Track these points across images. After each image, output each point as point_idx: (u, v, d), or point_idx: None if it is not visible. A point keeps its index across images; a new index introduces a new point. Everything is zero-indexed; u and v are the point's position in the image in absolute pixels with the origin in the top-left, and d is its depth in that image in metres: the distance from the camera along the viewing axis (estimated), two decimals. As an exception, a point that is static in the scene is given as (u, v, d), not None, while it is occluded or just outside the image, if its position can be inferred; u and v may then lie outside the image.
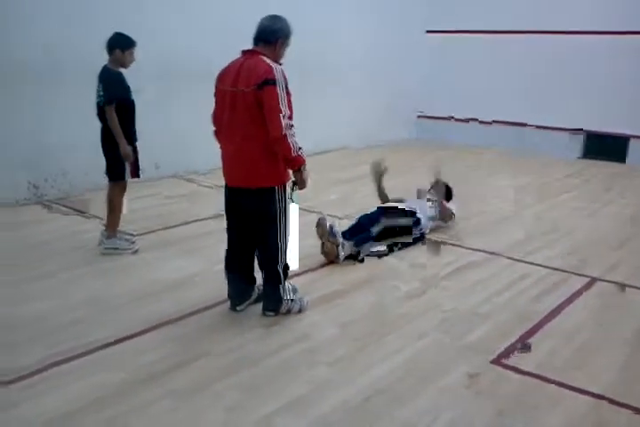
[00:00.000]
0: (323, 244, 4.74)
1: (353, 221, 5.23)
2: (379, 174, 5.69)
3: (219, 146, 3.75)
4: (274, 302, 3.79)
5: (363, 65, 9.73)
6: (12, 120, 6.00)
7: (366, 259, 4.85)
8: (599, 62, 9.07)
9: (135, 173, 4.85)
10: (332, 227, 4.70)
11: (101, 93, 4.59)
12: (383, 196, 5.71)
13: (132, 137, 4.74)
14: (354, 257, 4.80)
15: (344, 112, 9.54)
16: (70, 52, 6.19)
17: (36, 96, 6.11)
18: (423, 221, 5.31)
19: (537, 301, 4.13)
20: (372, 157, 8.81)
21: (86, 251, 4.89)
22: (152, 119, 6.69)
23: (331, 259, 4.73)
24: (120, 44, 4.60)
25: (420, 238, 5.28)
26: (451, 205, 5.66)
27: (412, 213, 5.26)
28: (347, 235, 4.88)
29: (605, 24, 8.87)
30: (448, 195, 5.76)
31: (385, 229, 5.05)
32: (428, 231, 5.40)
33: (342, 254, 4.72)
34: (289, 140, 3.40)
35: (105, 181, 4.90)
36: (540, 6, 9.40)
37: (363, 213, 5.29)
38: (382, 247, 5.00)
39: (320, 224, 4.75)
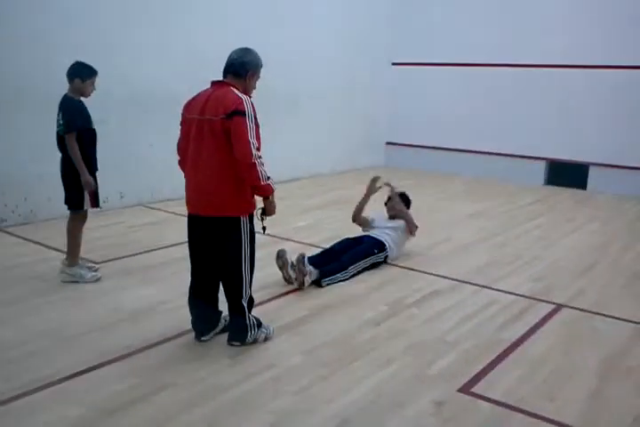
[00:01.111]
0: (282, 273, 4.78)
1: (326, 247, 5.29)
2: (370, 192, 5.71)
3: (183, 175, 3.72)
4: (239, 333, 3.72)
5: (332, 95, 9.93)
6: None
7: (330, 285, 4.84)
8: (560, 93, 9.33)
9: (95, 202, 4.75)
10: (302, 256, 4.70)
11: (61, 122, 4.52)
12: (358, 216, 5.72)
13: (92, 166, 4.66)
14: (316, 282, 4.80)
15: (314, 140, 9.69)
16: (35, 80, 6.15)
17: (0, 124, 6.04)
18: (392, 252, 5.38)
19: (503, 328, 4.13)
20: (341, 184, 9.01)
21: (46, 279, 4.76)
22: (117, 148, 6.69)
23: (292, 284, 4.75)
24: (80, 74, 4.55)
25: (382, 262, 5.34)
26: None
27: (382, 246, 5.29)
28: (317, 260, 4.92)
29: (568, 58, 9.15)
30: (407, 203, 5.79)
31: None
32: (394, 256, 5.45)
33: (308, 282, 4.71)
34: (258, 169, 3.38)
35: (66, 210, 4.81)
36: (503, 40, 9.71)
37: (337, 241, 5.35)
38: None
39: (280, 256, 4.77)
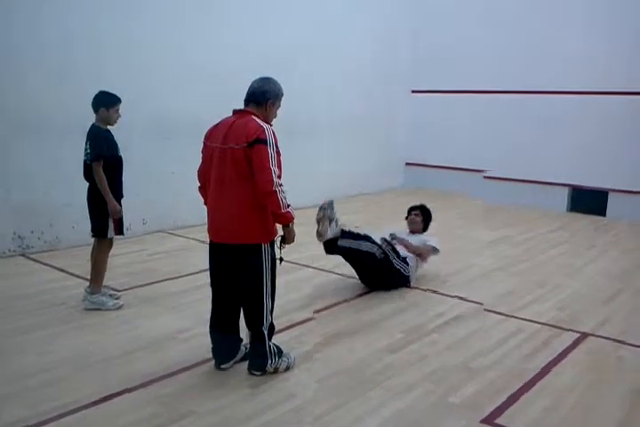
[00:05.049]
0: (318, 225, 4.91)
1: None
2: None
3: (202, 201, 3.76)
4: (260, 361, 3.70)
5: (352, 122, 10.10)
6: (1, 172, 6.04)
7: (349, 310, 4.87)
8: (581, 119, 9.32)
9: (119, 230, 4.80)
10: (332, 201, 4.94)
11: (88, 151, 4.59)
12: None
13: (118, 194, 4.72)
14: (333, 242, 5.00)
15: (333, 165, 9.81)
16: (61, 109, 6.28)
17: (26, 151, 6.16)
18: (411, 265, 5.38)
19: (528, 357, 4.06)
20: (361, 208, 9.02)
21: (69, 306, 4.80)
22: (139, 175, 6.76)
23: (320, 240, 4.95)
24: (104, 103, 4.63)
25: (406, 280, 5.35)
26: (430, 238, 5.67)
27: (405, 259, 5.32)
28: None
29: (588, 84, 9.17)
30: (427, 216, 5.84)
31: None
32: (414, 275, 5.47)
33: (329, 231, 4.87)
34: (279, 197, 3.39)
35: (90, 237, 4.86)
36: (521, 68, 9.76)
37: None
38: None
39: (323, 208, 4.89)
